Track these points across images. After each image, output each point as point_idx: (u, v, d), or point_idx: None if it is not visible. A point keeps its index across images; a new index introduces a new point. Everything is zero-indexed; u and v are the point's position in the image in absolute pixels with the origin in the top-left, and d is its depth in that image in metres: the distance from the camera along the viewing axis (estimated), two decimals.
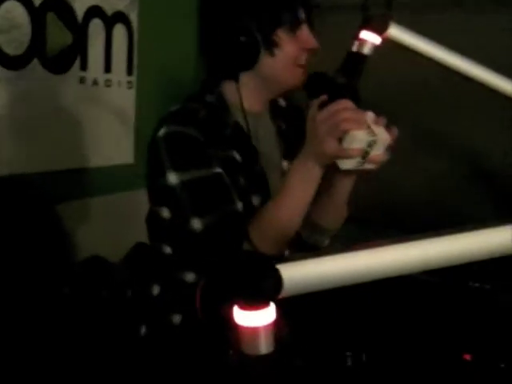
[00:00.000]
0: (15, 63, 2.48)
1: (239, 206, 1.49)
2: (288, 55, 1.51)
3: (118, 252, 2.95)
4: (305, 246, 1.66)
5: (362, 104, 1.35)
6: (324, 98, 1.32)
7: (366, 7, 1.75)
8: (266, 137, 1.65)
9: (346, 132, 1.26)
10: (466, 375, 1.58)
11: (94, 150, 2.95)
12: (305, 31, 1.53)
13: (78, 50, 2.77)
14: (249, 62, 1.49)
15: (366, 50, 1.45)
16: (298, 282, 0.74)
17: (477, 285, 1.91)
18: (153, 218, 1.69)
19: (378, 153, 1.30)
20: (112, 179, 3.06)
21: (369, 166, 1.33)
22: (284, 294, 0.73)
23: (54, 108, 2.70)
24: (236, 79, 1.54)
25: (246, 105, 1.57)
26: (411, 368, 1.61)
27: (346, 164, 1.33)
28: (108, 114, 3.01)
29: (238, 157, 1.56)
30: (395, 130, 1.34)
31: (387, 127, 1.32)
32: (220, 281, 0.72)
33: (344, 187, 1.53)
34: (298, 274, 0.74)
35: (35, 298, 2.23)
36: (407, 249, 0.77)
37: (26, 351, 2.04)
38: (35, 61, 2.57)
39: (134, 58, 3.09)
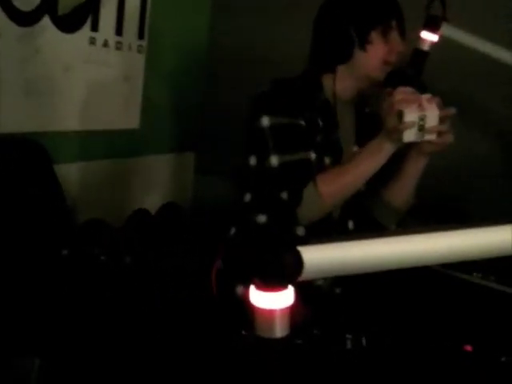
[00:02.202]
0: (26, 19, 2.44)
1: (312, 156, 1.74)
2: (378, 53, 1.78)
3: (119, 217, 2.94)
4: (374, 224, 1.88)
5: (429, 90, 1.64)
6: (389, 89, 1.63)
7: (428, 8, 1.98)
8: (346, 121, 1.90)
9: (399, 111, 1.57)
10: (466, 366, 1.57)
11: (100, 112, 2.91)
12: (394, 36, 1.79)
13: (90, 10, 2.72)
14: (345, 55, 1.80)
15: (426, 47, 1.87)
16: (318, 265, 0.71)
17: (480, 275, 1.90)
18: (243, 169, 1.87)
19: (433, 124, 1.58)
20: (116, 143, 3.03)
21: (428, 137, 1.60)
22: (304, 277, 0.71)
23: (62, 68, 2.65)
24: (333, 70, 1.83)
25: (339, 92, 1.85)
26: (411, 356, 1.60)
27: (407, 137, 1.59)
28: (116, 77, 2.96)
29: (320, 122, 1.81)
30: (451, 109, 1.60)
31: (441, 106, 1.59)
32: (239, 259, 0.70)
33: (416, 168, 1.78)
34: (320, 257, 0.71)
35: (35, 258, 2.20)
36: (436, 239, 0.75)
37: (26, 312, 2.03)
38: (46, 18, 2.52)
39: (146, 21, 3.04)
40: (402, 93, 1.61)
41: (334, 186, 1.67)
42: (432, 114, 1.58)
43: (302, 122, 1.75)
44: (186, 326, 1.67)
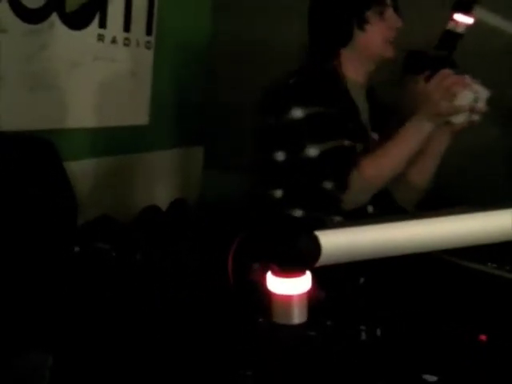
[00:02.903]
0: (34, 16, 2.43)
1: (347, 143, 1.75)
2: (378, 31, 1.80)
3: (128, 213, 2.93)
4: (395, 208, 1.90)
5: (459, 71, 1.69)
6: (428, 73, 1.65)
7: None
8: (363, 107, 1.90)
9: (456, 93, 1.61)
10: (481, 355, 1.56)
11: (109, 109, 2.91)
12: (390, 13, 1.81)
13: (97, 7, 2.72)
14: (345, 38, 1.81)
15: (460, 29, 1.82)
16: (336, 250, 0.70)
17: (495, 265, 1.89)
18: (268, 165, 1.84)
19: (482, 105, 1.64)
20: (125, 140, 3.03)
21: (475, 118, 1.66)
22: (321, 262, 0.70)
23: (70, 65, 2.65)
24: (337, 55, 1.84)
25: (352, 76, 1.86)
26: (426, 346, 1.59)
27: (458, 119, 1.66)
28: (125, 73, 2.96)
29: (352, 126, 1.82)
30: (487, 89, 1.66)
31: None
32: (255, 244, 0.69)
33: (440, 148, 1.81)
34: (338, 242, 0.70)
35: (46, 255, 2.20)
36: (451, 223, 0.74)
37: (37, 309, 2.03)
38: (54, 15, 2.52)
39: (154, 17, 3.03)
40: (451, 76, 1.64)
41: (379, 169, 1.69)
42: (482, 95, 1.63)
43: (334, 110, 1.75)
44: (200, 317, 1.66)
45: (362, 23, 1.80)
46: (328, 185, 1.68)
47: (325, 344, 1.50)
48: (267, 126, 1.80)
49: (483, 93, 1.64)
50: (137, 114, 3.08)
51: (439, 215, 0.76)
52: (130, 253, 2.50)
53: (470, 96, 1.62)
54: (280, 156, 1.79)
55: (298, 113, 1.70)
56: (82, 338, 2.07)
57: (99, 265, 2.38)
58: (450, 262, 1.86)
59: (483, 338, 1.60)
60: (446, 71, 1.64)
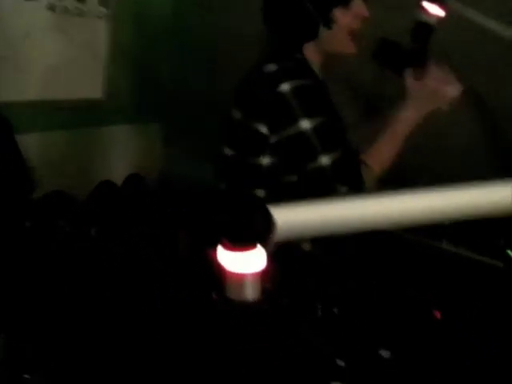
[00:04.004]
0: None
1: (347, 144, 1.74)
2: (344, 28, 1.76)
3: (84, 188, 2.88)
4: None
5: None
6: (420, 70, 1.70)
7: None
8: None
9: (443, 88, 1.68)
10: (435, 331, 1.57)
11: (61, 81, 2.83)
12: (357, 3, 1.77)
13: None
14: (310, 36, 1.77)
15: (431, 20, 1.80)
16: (291, 226, 0.68)
17: (450, 245, 1.90)
18: (250, 169, 1.77)
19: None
20: (80, 113, 2.95)
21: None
22: (276, 238, 0.68)
23: (21, 35, 2.57)
24: (300, 50, 1.80)
25: (316, 70, 1.81)
26: (381, 322, 1.60)
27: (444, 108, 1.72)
28: (78, 45, 2.88)
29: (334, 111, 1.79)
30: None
31: None
32: (207, 219, 0.66)
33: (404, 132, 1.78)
34: (292, 217, 0.68)
35: None
36: (408, 200, 0.72)
37: None
38: None
39: None
40: (441, 71, 1.70)
41: (381, 158, 1.73)
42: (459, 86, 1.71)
43: (332, 115, 1.74)
44: (154, 290, 1.64)
45: (328, 22, 1.76)
46: (343, 189, 1.66)
47: (280, 321, 1.49)
48: (259, 134, 1.72)
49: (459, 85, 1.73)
50: (91, 87, 3.01)
51: (392, 194, 0.74)
52: (85, 228, 2.46)
53: (457, 88, 1.70)
54: (306, 167, 1.70)
55: (306, 124, 1.67)
56: (35, 314, 2.03)
57: (53, 240, 2.33)
58: (405, 239, 1.87)
59: (437, 314, 1.62)
60: (433, 67, 1.71)
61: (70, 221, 2.47)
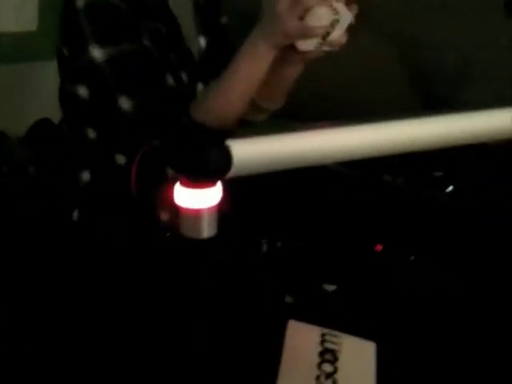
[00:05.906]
0: None
1: (170, 81, 1.38)
2: None
3: (19, 127, 2.78)
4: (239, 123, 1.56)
5: None
6: None
7: None
8: (183, 10, 1.55)
9: (308, 9, 1.18)
10: (376, 265, 1.61)
11: None
12: None
13: None
14: None
15: None
16: (249, 160, 0.67)
17: (390, 178, 1.93)
18: (69, 99, 1.58)
19: (340, 33, 1.23)
20: (11, 47, 2.83)
21: (327, 48, 1.27)
22: (233, 173, 0.67)
23: None
24: None
25: None
26: (323, 255, 1.62)
27: (305, 45, 1.26)
28: None
29: (164, 29, 1.45)
30: (355, 7, 1.23)
31: (347, 4, 1.23)
32: (161, 154, 0.65)
33: (293, 72, 1.45)
34: (251, 152, 0.67)
35: None
36: (363, 130, 0.73)
37: None
38: None
39: None
40: None
41: (217, 114, 1.32)
42: (344, 20, 1.20)
43: (147, 43, 1.40)
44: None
45: None
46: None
47: (226, 257, 1.50)
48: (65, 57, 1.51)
49: (345, 17, 1.21)
50: (23, 19, 2.88)
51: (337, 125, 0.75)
52: (22, 167, 2.39)
53: (327, 17, 1.19)
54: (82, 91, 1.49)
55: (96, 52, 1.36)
56: None
57: None
58: (345, 174, 1.88)
59: (378, 247, 1.65)
60: None
61: (5, 160, 2.40)
